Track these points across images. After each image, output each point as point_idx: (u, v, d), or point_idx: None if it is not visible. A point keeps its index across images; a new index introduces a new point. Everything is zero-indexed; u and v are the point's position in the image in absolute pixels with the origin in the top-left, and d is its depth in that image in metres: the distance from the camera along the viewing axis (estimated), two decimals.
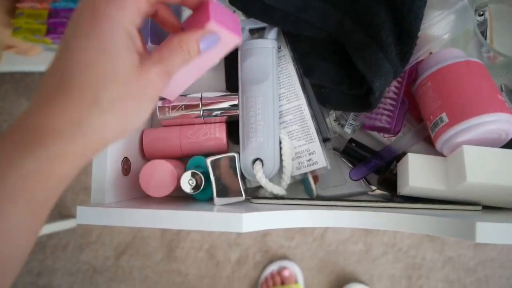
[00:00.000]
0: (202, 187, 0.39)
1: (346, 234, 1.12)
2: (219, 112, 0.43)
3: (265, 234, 1.13)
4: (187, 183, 0.39)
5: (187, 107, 0.43)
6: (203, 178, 0.39)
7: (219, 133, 0.43)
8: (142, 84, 0.27)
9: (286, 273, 1.08)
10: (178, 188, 0.39)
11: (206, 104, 0.43)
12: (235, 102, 0.43)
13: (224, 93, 0.44)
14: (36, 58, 1.14)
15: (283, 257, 1.13)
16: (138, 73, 0.27)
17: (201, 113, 0.43)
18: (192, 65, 0.31)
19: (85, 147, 0.25)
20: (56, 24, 0.98)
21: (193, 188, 0.39)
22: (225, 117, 0.44)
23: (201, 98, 0.43)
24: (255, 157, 0.40)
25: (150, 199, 0.42)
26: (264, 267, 1.12)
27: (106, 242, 1.20)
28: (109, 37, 0.25)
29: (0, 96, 1.25)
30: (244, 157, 0.40)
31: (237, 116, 0.43)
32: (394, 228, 0.34)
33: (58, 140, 0.23)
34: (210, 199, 0.41)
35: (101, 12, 0.26)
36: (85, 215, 0.34)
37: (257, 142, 0.40)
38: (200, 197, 0.42)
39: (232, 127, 0.46)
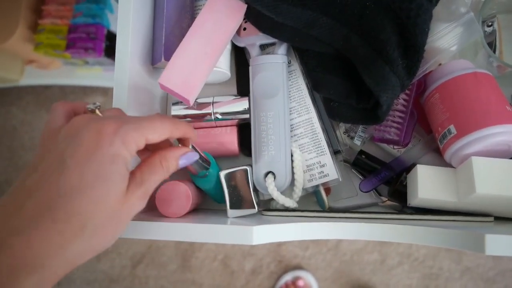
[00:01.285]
0: (208, 170, 0.39)
1: (361, 244, 1.11)
2: (230, 115, 0.44)
3: (280, 244, 1.13)
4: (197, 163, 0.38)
5: (199, 111, 0.44)
6: (209, 161, 0.39)
7: (231, 136, 0.44)
8: (125, 209, 0.28)
9: (300, 283, 1.07)
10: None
11: (218, 108, 0.44)
12: (246, 105, 0.44)
13: (235, 97, 0.45)
14: (56, 72, 1.19)
15: (298, 267, 1.12)
16: (124, 199, 0.27)
17: (213, 117, 0.44)
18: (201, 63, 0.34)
19: (59, 271, 0.25)
20: (75, 39, 1.01)
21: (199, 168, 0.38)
22: (237, 120, 0.45)
23: (213, 102, 0.44)
24: (267, 170, 0.41)
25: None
26: (279, 277, 1.12)
27: (122, 251, 1.22)
28: (109, 165, 0.26)
29: (22, 108, 1.29)
30: (256, 171, 0.41)
31: (248, 119, 0.44)
32: (403, 240, 0.34)
33: (35, 273, 0.24)
34: (214, 197, 0.42)
35: (107, 140, 0.26)
36: None
37: (269, 155, 0.41)
38: (202, 184, 0.41)
39: (244, 133, 0.46)
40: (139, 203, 0.29)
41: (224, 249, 1.17)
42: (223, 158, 0.47)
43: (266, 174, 0.41)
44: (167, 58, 0.41)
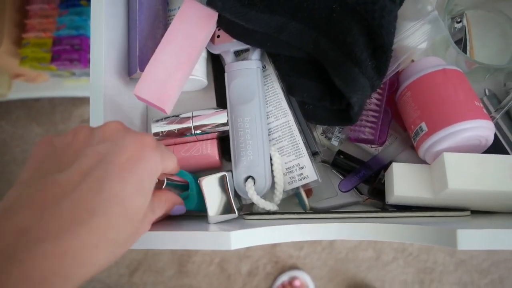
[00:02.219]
0: (187, 191, 0.40)
1: (355, 241, 1.11)
2: (210, 128, 0.45)
3: (275, 245, 1.14)
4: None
5: (179, 125, 0.44)
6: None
7: (211, 150, 0.45)
8: (141, 228, 0.28)
9: (297, 283, 1.08)
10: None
11: (197, 121, 0.44)
12: (225, 118, 0.44)
13: (214, 110, 0.45)
14: (44, 85, 1.19)
15: (294, 267, 1.13)
16: (144, 217, 0.27)
17: (193, 131, 0.44)
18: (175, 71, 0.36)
19: (81, 281, 0.23)
20: (60, 51, 1.02)
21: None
22: (217, 133, 0.45)
23: (192, 117, 0.44)
24: (247, 175, 0.41)
25: None
26: (275, 278, 1.12)
27: (119, 259, 1.22)
28: (147, 179, 0.26)
29: (12, 123, 1.29)
30: (236, 176, 0.41)
31: (228, 132, 0.44)
32: (380, 238, 0.35)
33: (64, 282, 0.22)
34: (199, 210, 0.42)
35: (150, 153, 0.26)
36: None
37: (248, 160, 0.41)
38: (186, 205, 0.41)
39: (225, 143, 0.47)
40: (147, 228, 0.29)
41: (220, 252, 1.17)
42: (205, 170, 0.47)
43: (246, 179, 0.41)
44: (142, 69, 0.42)
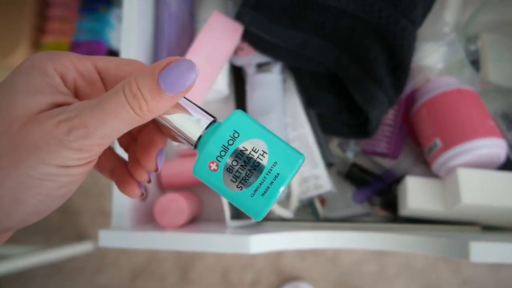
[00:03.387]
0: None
1: (359, 255, 1.12)
2: None
3: (279, 255, 1.14)
4: None
5: None
6: None
7: None
8: (25, 135, 0.17)
9: None
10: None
11: None
12: None
13: None
14: None
15: (297, 278, 1.13)
16: (29, 120, 0.17)
17: None
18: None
19: None
20: None
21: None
22: None
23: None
24: None
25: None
26: None
27: (122, 264, 1.23)
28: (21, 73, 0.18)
29: None
30: None
31: None
32: (393, 248, 0.36)
33: None
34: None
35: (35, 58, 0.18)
36: (107, 238, 0.37)
37: None
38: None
39: None
40: (67, 146, 0.17)
41: (223, 261, 1.18)
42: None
43: None
44: None
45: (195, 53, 0.42)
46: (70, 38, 1.05)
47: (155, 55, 0.47)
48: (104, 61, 0.20)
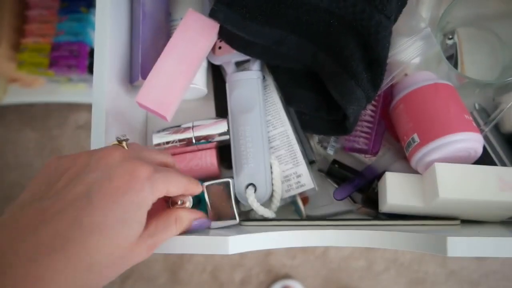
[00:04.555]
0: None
1: (348, 251, 1.12)
2: (210, 137, 0.45)
3: (268, 253, 1.14)
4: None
5: (181, 137, 0.45)
6: (191, 200, 0.40)
7: (211, 160, 0.46)
8: (132, 256, 0.28)
9: None
10: None
11: (198, 131, 0.45)
12: (225, 127, 0.45)
13: (214, 119, 0.46)
14: (40, 90, 1.19)
15: (286, 276, 1.13)
16: (135, 246, 0.27)
17: (194, 141, 0.45)
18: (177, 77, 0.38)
19: None
20: (58, 57, 1.02)
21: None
22: (216, 143, 0.46)
23: (192, 127, 0.46)
24: (248, 182, 0.42)
25: None
26: (268, 287, 1.13)
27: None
28: (134, 211, 0.26)
29: (5, 127, 1.29)
30: (238, 183, 0.42)
31: (228, 141, 0.45)
32: (373, 245, 0.36)
33: None
34: None
35: (138, 185, 0.27)
36: None
37: (249, 168, 0.42)
38: None
39: (223, 151, 0.48)
40: (146, 253, 0.29)
41: (212, 260, 1.17)
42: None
43: (247, 186, 0.42)
44: (144, 77, 0.43)
45: (170, 51, 0.41)
46: (50, 39, 1.04)
47: (131, 54, 0.46)
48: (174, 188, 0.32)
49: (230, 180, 0.41)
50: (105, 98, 0.40)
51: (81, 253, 0.24)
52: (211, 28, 0.42)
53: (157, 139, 0.46)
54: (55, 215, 0.25)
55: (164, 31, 0.45)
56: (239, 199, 0.42)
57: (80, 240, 0.24)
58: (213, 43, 0.44)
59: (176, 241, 0.34)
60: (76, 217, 0.25)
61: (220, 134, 0.45)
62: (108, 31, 0.40)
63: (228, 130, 0.45)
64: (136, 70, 0.44)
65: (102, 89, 0.40)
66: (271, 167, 0.43)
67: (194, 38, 0.42)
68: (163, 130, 0.46)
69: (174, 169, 0.34)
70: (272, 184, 0.42)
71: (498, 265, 1.08)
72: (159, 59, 0.41)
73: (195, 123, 0.46)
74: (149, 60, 0.43)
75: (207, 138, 0.45)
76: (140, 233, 0.28)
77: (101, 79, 0.40)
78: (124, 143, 0.32)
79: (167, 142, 0.46)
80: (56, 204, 0.25)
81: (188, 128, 0.45)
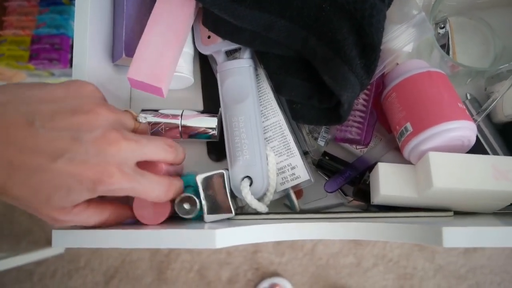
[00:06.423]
0: (198, 209, 0.39)
1: (336, 248, 1.12)
2: (197, 131, 0.44)
3: (255, 251, 1.13)
4: (183, 208, 0.39)
5: (167, 121, 0.44)
6: (197, 201, 0.39)
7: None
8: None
9: None
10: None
11: (186, 120, 0.44)
12: (215, 123, 0.44)
13: (204, 115, 0.44)
14: None
15: (274, 274, 1.12)
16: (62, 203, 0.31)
17: (180, 129, 0.44)
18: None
19: None
20: (39, 50, 0.99)
21: (189, 212, 0.39)
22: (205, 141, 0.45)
23: (181, 115, 0.44)
24: (244, 175, 0.40)
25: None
26: (256, 285, 1.11)
27: (95, 267, 1.18)
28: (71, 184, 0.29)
29: None
30: (233, 176, 0.40)
31: (215, 137, 0.44)
32: (366, 237, 0.35)
33: None
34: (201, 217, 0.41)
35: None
36: (60, 238, 0.34)
37: (244, 160, 0.40)
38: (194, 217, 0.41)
39: (210, 144, 0.47)
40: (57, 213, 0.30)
41: (199, 259, 1.15)
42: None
43: (243, 179, 0.40)
44: (128, 54, 0.41)
45: (154, 25, 0.40)
46: (30, 31, 1.00)
47: (113, 34, 0.44)
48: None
49: (224, 171, 0.39)
50: (86, 75, 0.38)
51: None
52: None
53: (142, 118, 0.44)
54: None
55: (148, 7, 0.43)
56: (234, 192, 0.40)
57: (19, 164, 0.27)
58: (194, 8, 0.42)
59: (161, 235, 0.33)
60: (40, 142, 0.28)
61: (208, 128, 0.44)
62: (87, 10, 0.39)
63: (217, 126, 0.43)
64: (120, 47, 0.42)
65: (83, 68, 0.39)
66: (266, 159, 0.41)
67: (176, 6, 0.41)
68: (150, 110, 0.44)
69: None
70: (268, 177, 0.41)
71: (485, 260, 1.09)
72: (144, 33, 0.40)
73: (185, 112, 0.44)
74: (133, 37, 0.42)
75: (194, 130, 0.44)
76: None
77: (81, 57, 0.39)
78: (138, 119, 0.36)
79: (153, 124, 0.44)
80: (47, 108, 0.29)
81: (177, 115, 0.44)
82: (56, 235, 0.34)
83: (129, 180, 0.30)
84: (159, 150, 0.34)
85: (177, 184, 0.37)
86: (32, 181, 0.27)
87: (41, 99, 0.29)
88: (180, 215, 0.39)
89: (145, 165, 0.34)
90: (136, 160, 0.32)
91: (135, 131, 0.35)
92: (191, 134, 0.44)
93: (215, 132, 0.44)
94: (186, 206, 0.39)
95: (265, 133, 0.42)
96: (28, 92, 0.29)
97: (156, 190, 0.33)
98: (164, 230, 0.33)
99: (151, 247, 0.33)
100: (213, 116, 0.44)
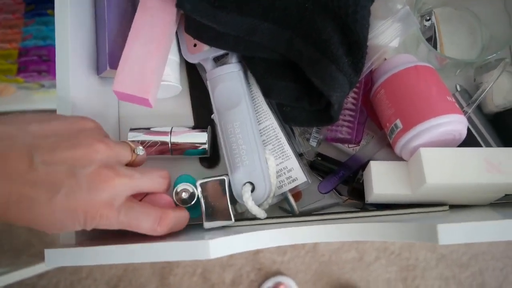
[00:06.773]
0: (194, 201, 0.40)
1: (338, 244, 1.12)
2: (187, 146, 0.43)
3: (257, 251, 1.12)
4: (181, 198, 0.40)
5: (157, 138, 0.43)
6: (193, 189, 0.40)
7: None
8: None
9: None
10: None
11: (176, 136, 0.43)
12: (205, 138, 0.43)
13: (194, 131, 0.44)
14: (11, 98, 1.14)
15: (278, 273, 1.12)
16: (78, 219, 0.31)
17: (170, 147, 0.43)
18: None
19: None
20: (27, 62, 0.98)
21: (187, 201, 0.40)
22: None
23: (170, 131, 0.43)
24: (246, 181, 0.39)
25: (118, 233, 0.41)
26: (260, 285, 1.11)
27: (97, 277, 1.18)
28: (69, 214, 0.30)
29: None
30: (234, 182, 0.39)
31: (207, 152, 0.44)
32: (362, 238, 0.34)
33: None
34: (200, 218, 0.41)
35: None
36: (53, 257, 0.33)
37: (244, 166, 0.39)
38: (192, 214, 0.40)
39: None
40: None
41: (202, 262, 1.15)
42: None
43: (245, 185, 0.39)
44: (113, 66, 0.41)
45: (136, 33, 0.40)
46: (17, 44, 0.99)
47: (96, 44, 0.44)
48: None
49: (225, 177, 0.38)
50: (70, 93, 0.38)
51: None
52: (170, 0, 0.40)
53: (132, 137, 0.43)
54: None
55: (130, 19, 0.43)
56: (236, 198, 0.40)
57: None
58: (175, 16, 0.41)
59: (153, 249, 0.32)
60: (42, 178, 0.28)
61: (198, 144, 0.43)
62: (69, 20, 0.38)
63: (207, 141, 0.43)
64: (104, 59, 0.41)
65: (67, 82, 0.38)
66: (266, 162, 0.40)
67: (156, 15, 0.40)
68: (140, 128, 0.44)
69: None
70: (270, 181, 0.40)
71: (486, 246, 1.09)
72: (126, 44, 0.39)
73: (174, 129, 0.43)
74: (117, 48, 0.41)
75: (184, 146, 0.43)
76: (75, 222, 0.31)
77: (65, 70, 0.38)
78: (135, 152, 0.35)
79: (142, 142, 0.43)
80: (47, 143, 0.29)
81: (166, 132, 0.43)
82: (48, 254, 0.33)
83: (118, 215, 0.31)
84: (153, 183, 0.35)
85: (171, 214, 0.35)
86: (30, 214, 0.28)
87: (43, 134, 0.30)
88: (180, 204, 0.40)
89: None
90: (128, 194, 0.32)
91: (131, 162, 0.35)
92: (182, 150, 0.44)
93: (205, 146, 0.43)
94: (184, 195, 0.40)
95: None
96: (32, 127, 0.30)
97: (144, 222, 0.33)
98: (156, 243, 0.32)
99: (144, 261, 0.32)
100: (203, 131, 0.43)
